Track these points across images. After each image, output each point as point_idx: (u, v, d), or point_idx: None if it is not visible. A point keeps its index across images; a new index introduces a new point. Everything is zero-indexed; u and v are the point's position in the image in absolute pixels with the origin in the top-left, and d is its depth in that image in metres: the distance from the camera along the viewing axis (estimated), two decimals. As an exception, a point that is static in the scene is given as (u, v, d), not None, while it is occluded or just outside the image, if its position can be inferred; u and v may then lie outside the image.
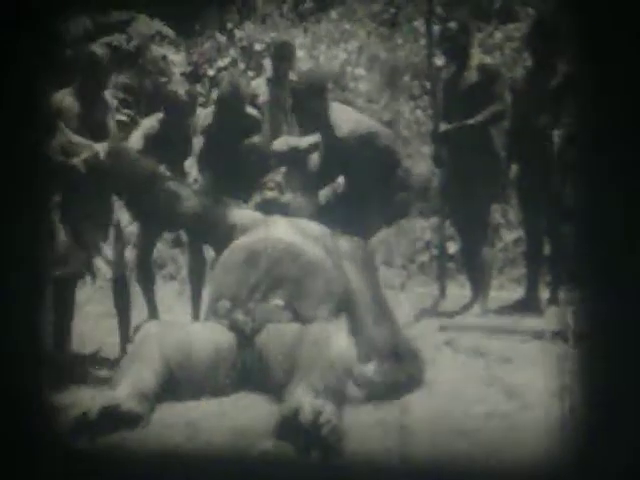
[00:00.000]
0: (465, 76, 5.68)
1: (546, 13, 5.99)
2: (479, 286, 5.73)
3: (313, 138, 5.08)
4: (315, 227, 4.43)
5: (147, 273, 5.36)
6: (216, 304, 4.08)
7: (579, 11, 2.84)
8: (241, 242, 4.28)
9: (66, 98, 4.86)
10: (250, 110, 5.52)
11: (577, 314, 2.90)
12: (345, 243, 4.44)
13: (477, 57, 5.82)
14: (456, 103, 5.70)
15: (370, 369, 3.80)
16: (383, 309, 4.30)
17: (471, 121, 5.57)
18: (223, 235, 4.43)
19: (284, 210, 4.51)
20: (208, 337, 3.88)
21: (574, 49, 2.97)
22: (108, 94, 5.16)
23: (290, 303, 4.01)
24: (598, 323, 2.72)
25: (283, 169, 4.75)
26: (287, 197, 4.60)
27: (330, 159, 4.86)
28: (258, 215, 4.52)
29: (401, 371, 3.89)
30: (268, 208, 4.52)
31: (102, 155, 4.42)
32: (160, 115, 5.27)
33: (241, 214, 4.56)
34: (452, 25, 5.80)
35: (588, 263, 2.78)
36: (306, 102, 4.83)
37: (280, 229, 4.32)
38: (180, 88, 5.30)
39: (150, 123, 5.32)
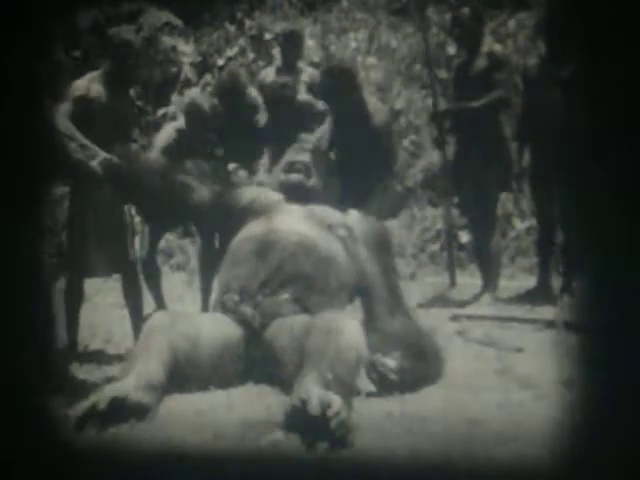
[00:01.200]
0: (475, 63, 5.65)
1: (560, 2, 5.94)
2: (489, 275, 5.70)
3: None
4: (330, 214, 4.31)
5: (153, 267, 5.34)
6: (224, 297, 4.00)
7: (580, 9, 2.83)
8: (252, 232, 4.15)
9: (93, 86, 4.68)
10: (250, 93, 5.52)
11: (587, 303, 2.86)
12: (361, 226, 4.32)
13: (488, 44, 5.80)
14: (466, 90, 5.67)
15: (390, 367, 3.68)
16: (398, 300, 4.20)
17: (473, 104, 5.53)
18: (235, 220, 4.33)
19: (308, 195, 4.39)
20: (216, 329, 3.82)
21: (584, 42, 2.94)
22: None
23: (300, 298, 3.92)
24: (606, 313, 2.70)
25: (308, 148, 4.62)
26: (313, 181, 4.46)
27: (359, 147, 4.79)
28: (274, 197, 4.40)
29: (422, 370, 3.78)
30: (292, 191, 4.40)
31: (115, 159, 4.29)
32: (178, 124, 5.24)
33: (254, 195, 4.45)
34: (464, 11, 5.76)
35: (599, 253, 2.75)
36: (339, 91, 4.76)
37: (294, 218, 4.19)
38: (205, 102, 5.24)
39: (167, 133, 5.29)
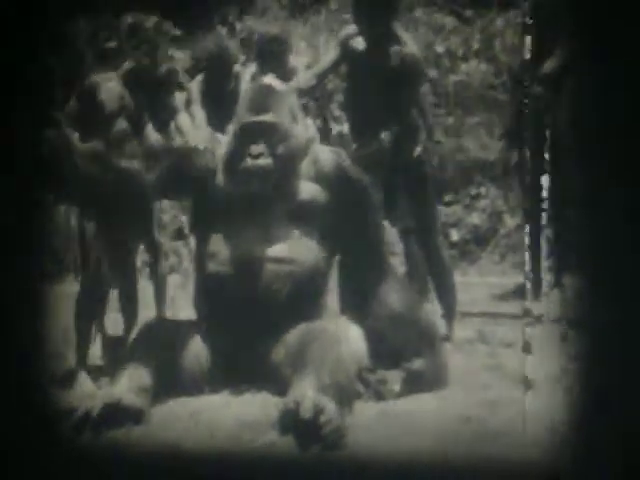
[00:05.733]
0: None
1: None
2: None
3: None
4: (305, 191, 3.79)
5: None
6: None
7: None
8: (219, 254, 3.72)
9: (107, 80, 4.57)
10: (237, 68, 5.43)
11: (577, 299, 2.89)
12: (334, 173, 3.84)
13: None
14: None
15: (392, 391, 3.58)
16: (382, 262, 3.90)
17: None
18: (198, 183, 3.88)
19: (277, 179, 3.71)
20: (198, 338, 3.75)
21: (572, 36, 2.96)
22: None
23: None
24: (597, 308, 2.72)
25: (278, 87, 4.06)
26: (282, 150, 3.70)
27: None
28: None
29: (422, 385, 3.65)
30: (250, 182, 3.73)
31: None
32: None
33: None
34: None
35: (589, 249, 2.78)
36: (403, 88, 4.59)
37: (267, 229, 3.70)
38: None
39: None
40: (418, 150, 4.76)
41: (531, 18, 5.78)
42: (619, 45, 2.70)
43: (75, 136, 4.16)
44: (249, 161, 3.68)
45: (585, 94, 2.84)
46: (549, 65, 5.47)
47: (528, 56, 5.79)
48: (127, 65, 4.68)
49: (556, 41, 5.51)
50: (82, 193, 3.85)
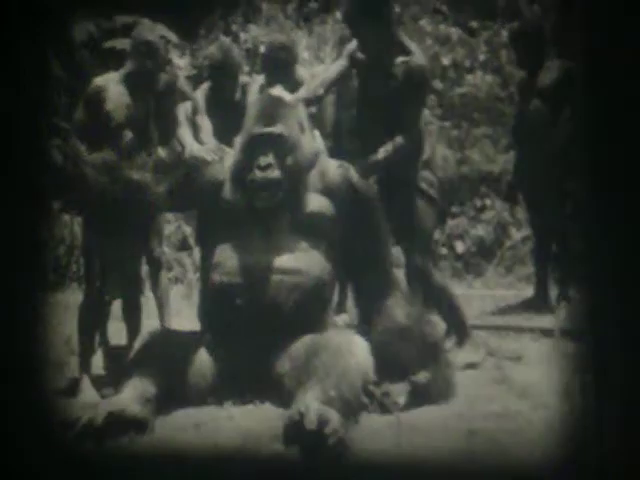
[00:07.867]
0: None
1: (529, 16, 5.87)
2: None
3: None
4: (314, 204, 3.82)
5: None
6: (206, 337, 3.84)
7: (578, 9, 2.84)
8: (226, 264, 3.72)
9: (111, 84, 4.61)
10: (244, 79, 5.43)
11: (585, 312, 2.87)
12: (341, 185, 3.85)
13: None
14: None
15: (396, 403, 3.53)
16: (389, 276, 3.89)
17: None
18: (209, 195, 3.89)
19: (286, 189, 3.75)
20: (202, 349, 3.74)
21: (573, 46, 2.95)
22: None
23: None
24: (603, 321, 2.71)
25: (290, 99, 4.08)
26: (292, 160, 3.74)
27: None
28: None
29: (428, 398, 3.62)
30: (259, 195, 3.73)
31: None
32: None
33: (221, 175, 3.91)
34: None
35: (595, 261, 2.76)
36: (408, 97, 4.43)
37: (272, 240, 3.73)
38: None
39: None
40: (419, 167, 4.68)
41: (529, 32, 5.82)
42: (620, 58, 2.69)
43: (83, 147, 4.19)
44: (257, 173, 3.70)
45: (585, 108, 2.82)
46: (548, 78, 5.47)
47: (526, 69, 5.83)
48: (128, 66, 4.70)
49: (555, 54, 5.54)
50: (89, 202, 3.86)
